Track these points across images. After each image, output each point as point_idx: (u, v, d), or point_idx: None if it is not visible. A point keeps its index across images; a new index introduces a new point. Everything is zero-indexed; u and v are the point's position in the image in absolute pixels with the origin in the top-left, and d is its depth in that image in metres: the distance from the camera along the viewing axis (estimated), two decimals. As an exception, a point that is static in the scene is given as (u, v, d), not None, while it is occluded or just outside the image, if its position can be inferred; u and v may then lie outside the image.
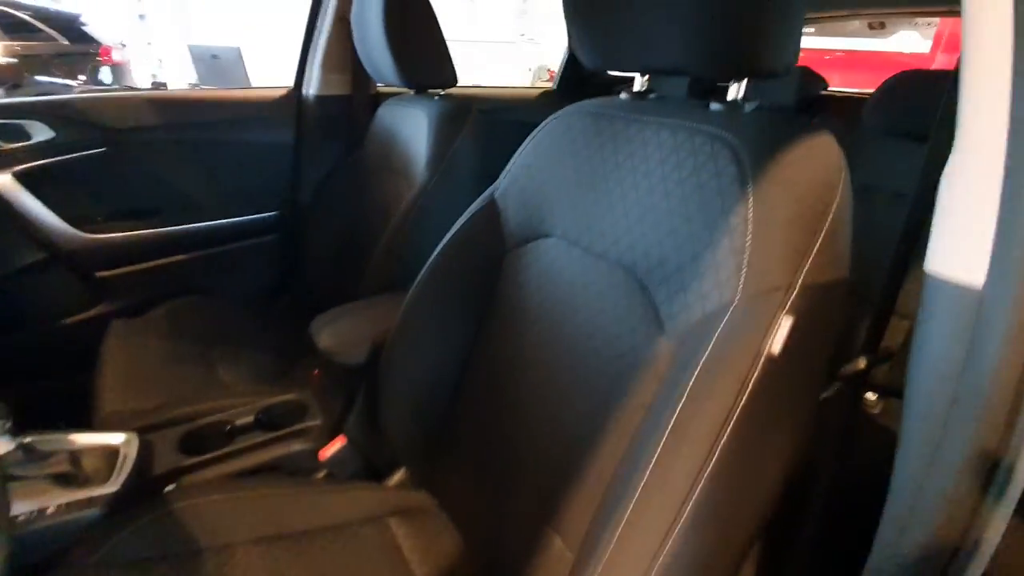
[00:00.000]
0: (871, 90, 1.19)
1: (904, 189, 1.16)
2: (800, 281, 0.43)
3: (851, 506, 0.59)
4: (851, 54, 4.21)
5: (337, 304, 1.25)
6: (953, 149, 0.34)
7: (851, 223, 0.46)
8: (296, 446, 0.87)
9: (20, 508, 0.66)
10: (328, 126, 1.37)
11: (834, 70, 3.86)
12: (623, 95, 0.65)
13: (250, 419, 0.91)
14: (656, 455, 0.43)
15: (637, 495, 0.43)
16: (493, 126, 1.67)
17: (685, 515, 0.40)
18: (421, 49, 1.05)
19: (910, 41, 4.02)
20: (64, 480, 0.70)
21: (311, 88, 1.34)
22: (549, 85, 1.93)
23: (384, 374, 0.78)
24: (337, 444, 0.82)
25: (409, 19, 1.03)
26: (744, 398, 0.41)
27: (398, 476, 0.85)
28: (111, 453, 0.77)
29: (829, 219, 0.44)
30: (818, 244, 0.43)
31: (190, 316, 1.23)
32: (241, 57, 2.95)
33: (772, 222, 0.44)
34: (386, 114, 1.25)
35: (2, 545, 0.36)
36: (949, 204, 0.34)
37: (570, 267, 0.63)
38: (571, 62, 1.84)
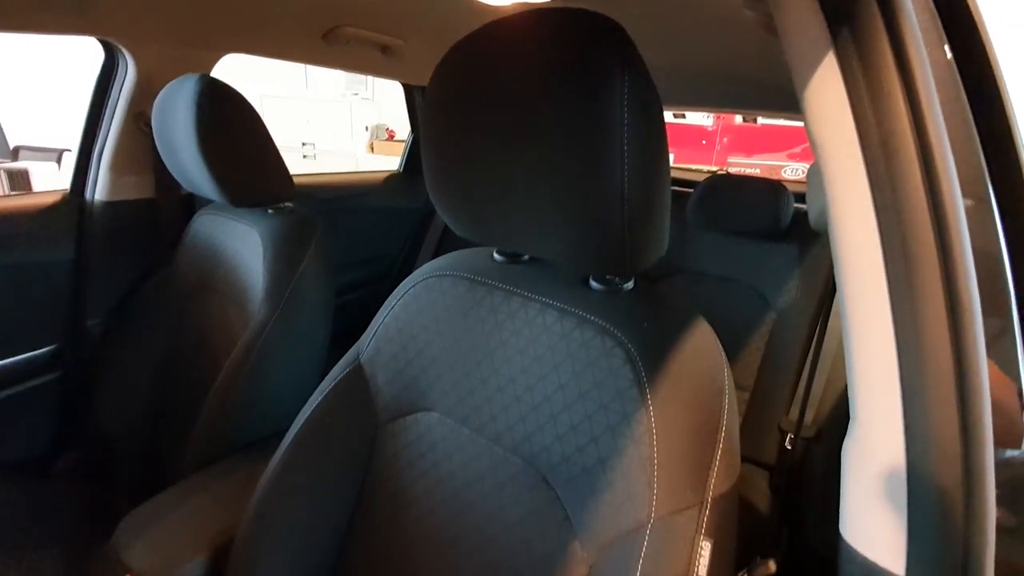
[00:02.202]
0: (694, 181, 1.35)
1: (729, 274, 1.33)
2: (710, 496, 0.42)
3: None
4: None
5: (143, 462, 1.00)
6: (851, 423, 0.36)
7: (737, 416, 0.48)
8: None
9: None
10: (122, 237, 1.11)
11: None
12: (496, 255, 0.61)
13: None
14: None
15: None
16: (337, 215, 1.55)
17: None
18: (246, 163, 0.91)
19: (699, 117, 4.97)
20: None
21: (97, 192, 1.09)
22: (393, 167, 1.87)
23: None
24: None
25: (229, 128, 0.89)
26: None
27: None
28: None
29: (724, 426, 0.45)
30: (719, 453, 0.44)
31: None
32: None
33: (674, 433, 0.44)
34: (205, 226, 1.06)
35: None
36: (856, 483, 0.35)
37: (460, 451, 0.57)
38: (416, 144, 1.81)
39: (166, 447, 0.95)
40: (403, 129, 1.89)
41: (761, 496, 1.22)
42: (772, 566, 0.48)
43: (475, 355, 0.56)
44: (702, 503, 0.42)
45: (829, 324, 1.19)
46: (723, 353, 0.49)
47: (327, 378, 0.65)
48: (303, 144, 4.52)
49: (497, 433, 0.54)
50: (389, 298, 0.64)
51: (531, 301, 0.54)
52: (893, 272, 0.33)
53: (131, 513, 0.71)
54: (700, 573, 0.40)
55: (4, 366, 1.02)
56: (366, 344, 0.65)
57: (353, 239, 1.66)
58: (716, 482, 0.43)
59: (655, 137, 0.42)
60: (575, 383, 0.49)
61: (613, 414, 0.46)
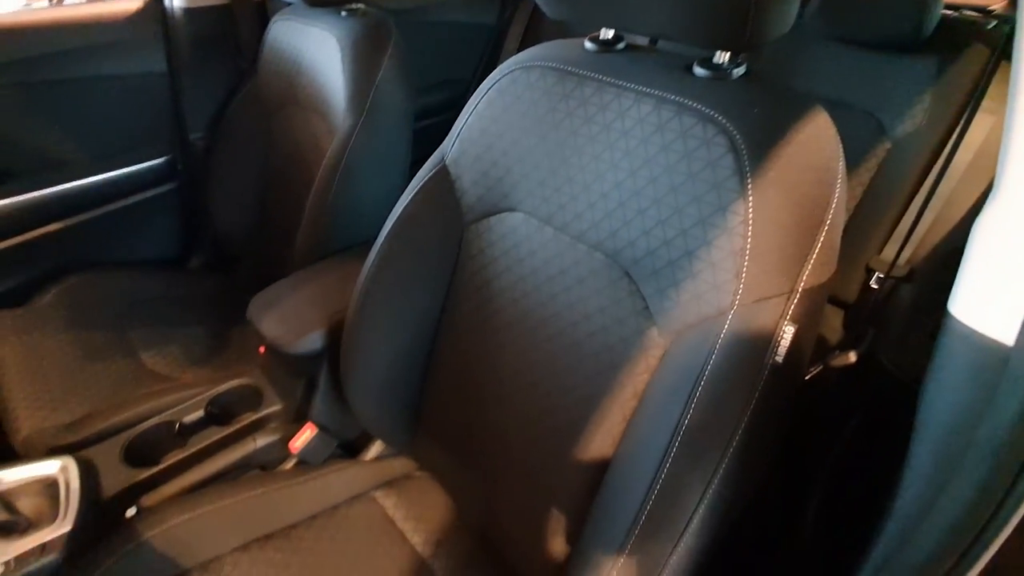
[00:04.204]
0: None
1: (841, 97, 1.17)
2: (801, 287, 0.42)
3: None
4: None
5: (258, 263, 1.14)
6: (994, 193, 0.33)
7: (844, 210, 0.45)
8: (261, 440, 0.82)
9: (-37, 575, 0.59)
10: (207, 47, 1.12)
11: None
12: (588, 44, 0.56)
13: (200, 413, 0.84)
14: (668, 462, 0.44)
15: (653, 499, 0.45)
16: (404, 31, 1.46)
17: (697, 516, 0.43)
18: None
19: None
20: (4, 530, 0.63)
21: (176, -1, 1.07)
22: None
23: (347, 359, 0.73)
24: (307, 433, 0.79)
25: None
26: (752, 407, 0.42)
27: (375, 448, 0.84)
28: (49, 485, 0.69)
29: (829, 219, 0.43)
30: (818, 247, 0.42)
31: (90, 296, 1.07)
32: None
33: (773, 224, 0.43)
34: (281, 33, 1.04)
35: None
36: (985, 254, 0.33)
37: (543, 248, 0.59)
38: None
39: (274, 251, 1.06)
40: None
41: (832, 332, 1.22)
42: (852, 356, 0.49)
43: (562, 152, 0.55)
44: (791, 292, 0.42)
45: (956, 155, 1.05)
46: (840, 145, 0.45)
47: (414, 180, 0.68)
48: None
49: (581, 231, 0.56)
50: (473, 95, 0.63)
51: (626, 91, 0.51)
52: None
53: (257, 295, 0.83)
54: (779, 354, 0.42)
55: (129, 173, 1.14)
56: (450, 145, 0.65)
57: (422, 61, 1.58)
58: (810, 274, 0.42)
59: None
60: (668, 176, 0.48)
61: (707, 206, 0.45)
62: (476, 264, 0.66)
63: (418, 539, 0.72)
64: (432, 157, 0.67)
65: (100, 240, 1.16)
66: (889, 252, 1.14)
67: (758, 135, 0.43)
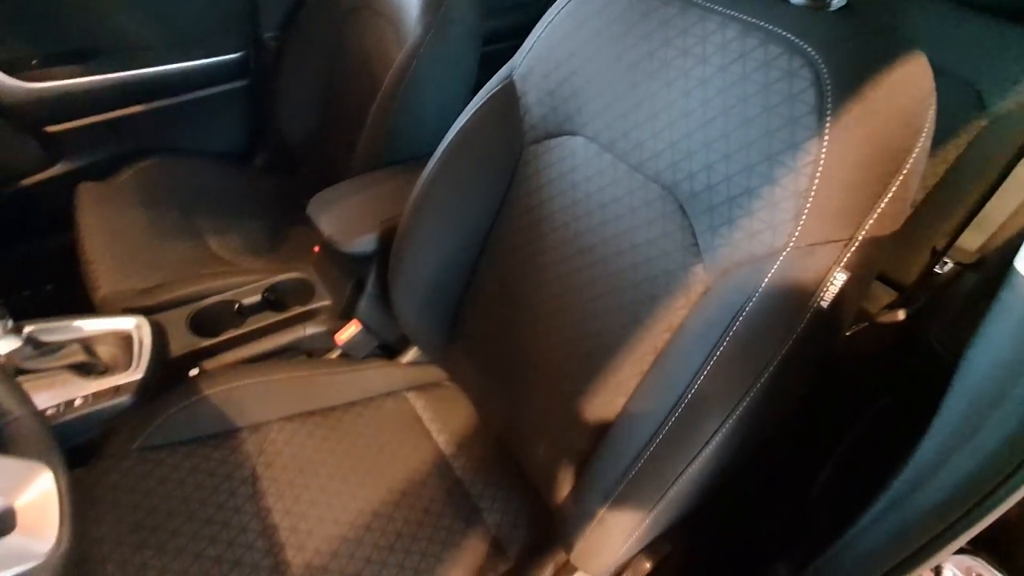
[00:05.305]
0: None
1: (942, 63, 1.07)
2: (862, 235, 0.41)
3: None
4: None
5: (318, 166, 1.18)
6: None
7: (924, 162, 0.43)
8: (310, 328, 0.88)
9: (45, 401, 0.66)
10: None
11: None
12: None
13: (257, 298, 0.91)
14: (693, 389, 0.46)
15: (671, 423, 0.47)
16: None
17: (714, 442, 0.45)
18: None
19: None
20: (84, 370, 0.71)
21: None
22: None
23: (396, 264, 0.76)
24: (352, 328, 0.84)
25: None
26: (786, 348, 0.42)
27: (411, 353, 0.89)
28: (125, 339, 0.77)
29: (908, 165, 0.41)
30: (889, 195, 0.41)
31: (164, 179, 1.14)
32: None
33: (845, 168, 0.41)
34: None
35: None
36: None
37: (599, 175, 0.59)
38: None
39: (335, 156, 1.09)
40: None
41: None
42: (901, 315, 0.48)
43: (634, 76, 0.54)
44: (851, 240, 0.41)
45: None
46: (934, 94, 0.42)
47: (480, 93, 0.68)
48: None
49: (641, 160, 0.55)
50: (550, 9, 0.61)
51: (712, 14, 0.49)
52: None
53: (318, 195, 0.86)
54: (825, 299, 0.41)
55: (205, 65, 1.18)
56: (520, 60, 0.64)
57: None
58: (873, 224, 0.41)
59: None
60: (741, 108, 0.46)
61: (778, 143, 0.44)
62: (531, 184, 0.67)
63: (442, 439, 0.77)
64: (500, 71, 0.67)
65: (174, 128, 1.21)
66: (961, 238, 1.07)
67: (846, 71, 0.41)
